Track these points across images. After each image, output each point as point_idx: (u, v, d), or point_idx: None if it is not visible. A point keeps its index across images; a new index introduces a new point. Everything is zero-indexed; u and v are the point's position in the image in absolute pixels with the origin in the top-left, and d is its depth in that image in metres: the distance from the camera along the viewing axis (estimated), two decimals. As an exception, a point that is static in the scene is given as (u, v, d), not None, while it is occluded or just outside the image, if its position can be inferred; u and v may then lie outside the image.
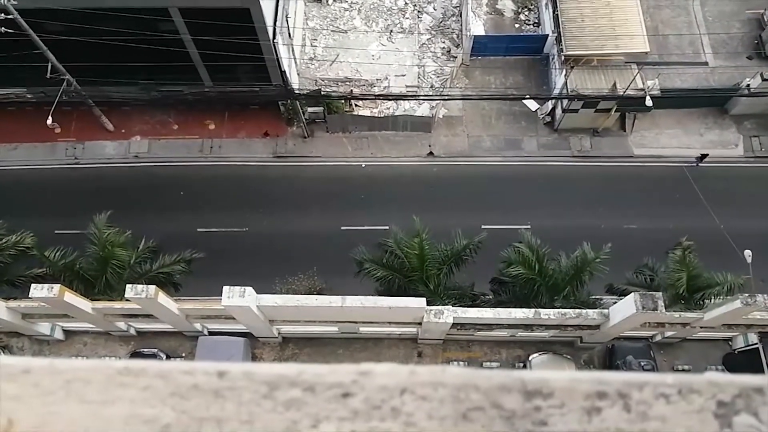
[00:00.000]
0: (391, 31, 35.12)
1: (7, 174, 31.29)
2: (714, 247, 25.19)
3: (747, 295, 19.21)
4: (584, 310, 20.65)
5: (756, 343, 23.41)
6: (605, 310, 20.59)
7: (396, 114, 32.56)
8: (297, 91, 30.95)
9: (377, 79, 33.65)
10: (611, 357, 24.19)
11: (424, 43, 35.00)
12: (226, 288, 18.18)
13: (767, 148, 31.97)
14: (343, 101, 32.31)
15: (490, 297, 24.34)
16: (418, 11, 35.72)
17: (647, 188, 30.79)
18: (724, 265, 22.50)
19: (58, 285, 19.01)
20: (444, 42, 35.11)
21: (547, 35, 32.86)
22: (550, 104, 32.57)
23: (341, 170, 31.76)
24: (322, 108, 31.61)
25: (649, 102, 28.90)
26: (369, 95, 32.49)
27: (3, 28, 24.08)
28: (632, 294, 18.63)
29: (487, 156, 32.13)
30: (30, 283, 19.69)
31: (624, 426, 1.08)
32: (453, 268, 22.33)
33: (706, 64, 33.46)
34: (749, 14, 34.30)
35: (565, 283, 21.94)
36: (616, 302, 20.92)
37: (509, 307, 21.08)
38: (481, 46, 33.62)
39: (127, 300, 19.29)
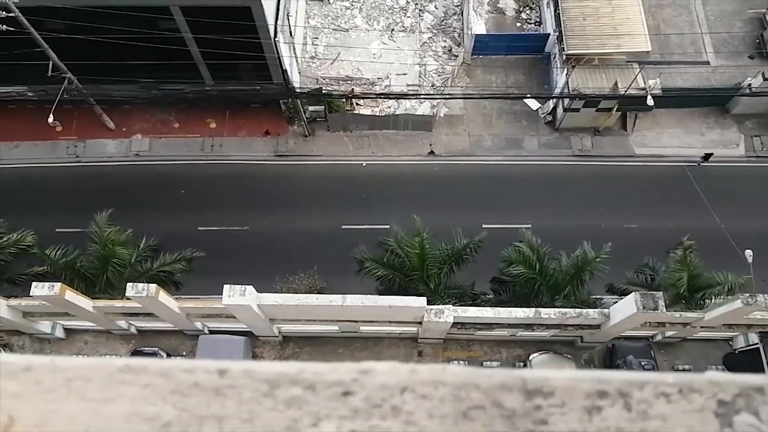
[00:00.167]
0: (393, 29, 35.11)
1: (8, 172, 31.32)
2: (715, 247, 25.18)
3: (747, 294, 19.20)
4: (585, 310, 20.65)
5: (756, 343, 23.40)
6: (606, 310, 20.59)
7: (397, 113, 32.55)
8: (298, 90, 30.94)
9: (378, 78, 33.64)
10: (612, 356, 24.19)
11: (425, 42, 34.98)
12: (226, 287, 18.19)
13: (768, 147, 31.96)
14: (344, 100, 32.30)
15: (491, 296, 24.34)
16: (420, 10, 35.70)
17: (648, 188, 30.77)
18: (724, 265, 22.49)
19: (59, 283, 19.03)
20: (445, 41, 35.09)
21: (549, 34, 32.83)
22: (551, 103, 32.55)
23: (342, 169, 31.76)
24: (323, 107, 31.60)
25: (650, 101, 28.88)
26: (370, 94, 32.49)
27: (4, 26, 24.09)
28: (633, 294, 18.62)
29: (488, 155, 32.11)
30: (31, 282, 19.70)
31: (625, 425, 1.08)
32: (453, 267, 22.34)
33: (707, 63, 33.42)
34: (751, 13, 34.25)
35: (566, 283, 21.94)
36: (616, 302, 20.92)
37: (510, 307, 21.08)
38: (483, 45, 33.60)
39: (127, 298, 19.30)
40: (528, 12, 35.35)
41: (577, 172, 31.49)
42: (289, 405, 1.10)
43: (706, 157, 30.91)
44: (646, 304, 17.96)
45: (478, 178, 31.12)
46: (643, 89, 29.34)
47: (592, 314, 20.49)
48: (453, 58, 34.47)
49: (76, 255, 22.34)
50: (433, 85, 33.73)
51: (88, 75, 27.96)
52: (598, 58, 30.46)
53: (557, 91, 31.67)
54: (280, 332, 23.84)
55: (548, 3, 32.97)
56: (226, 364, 1.15)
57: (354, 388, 1.12)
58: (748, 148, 32.04)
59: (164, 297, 19.62)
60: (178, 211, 29.77)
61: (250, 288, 18.39)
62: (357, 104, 33.01)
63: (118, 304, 21.16)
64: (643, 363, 23.52)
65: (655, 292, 18.56)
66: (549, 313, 20.39)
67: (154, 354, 24.27)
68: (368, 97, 32.63)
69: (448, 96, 32.64)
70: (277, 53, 27.49)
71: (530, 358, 24.09)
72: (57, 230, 26.11)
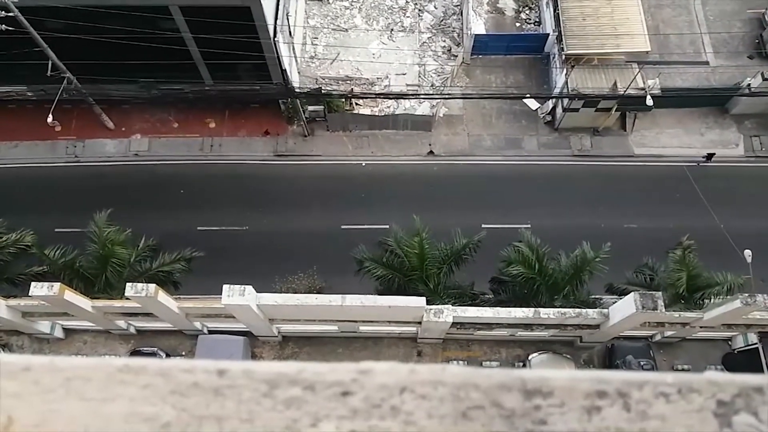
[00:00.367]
0: (392, 29, 35.11)
1: (7, 172, 31.30)
2: (714, 247, 25.20)
3: (747, 294, 19.21)
4: (584, 310, 20.66)
5: (755, 343, 23.43)
6: (605, 310, 20.60)
7: (396, 113, 32.55)
8: (297, 90, 30.94)
9: (378, 78, 33.64)
10: (611, 356, 24.20)
11: (424, 42, 34.98)
12: (226, 287, 18.18)
13: (768, 147, 31.99)
14: (343, 100, 32.30)
15: (490, 296, 24.35)
16: (419, 10, 35.70)
17: (647, 188, 30.78)
18: (723, 265, 22.52)
19: (58, 283, 19.02)
20: (445, 41, 35.10)
21: (548, 34, 32.85)
22: (550, 103, 32.56)
23: (341, 169, 31.75)
24: (322, 106, 31.60)
25: (649, 101, 28.89)
26: (369, 94, 32.49)
27: (3, 25, 24.08)
28: (632, 293, 18.63)
29: (488, 155, 32.12)
30: (30, 282, 19.68)
31: (624, 425, 1.08)
32: (453, 267, 22.34)
33: (707, 63, 33.44)
34: (750, 13, 34.27)
35: (565, 283, 21.94)
36: (615, 302, 20.92)
37: (509, 307, 21.08)
38: (482, 45, 33.60)
39: (127, 298, 19.29)
40: (527, 12, 35.36)
41: (577, 172, 31.50)
42: (289, 405, 1.10)
43: (709, 156, 30.95)
44: (646, 304, 17.97)
45: (477, 178, 31.12)
46: (643, 89, 29.35)
47: (591, 314, 20.49)
48: (452, 58, 34.47)
49: (75, 255, 22.33)
50: (432, 85, 33.74)
51: (88, 75, 27.94)
52: (597, 58, 30.47)
53: (556, 91, 31.69)
54: (279, 332, 23.84)
55: (547, 3, 32.97)
56: (225, 364, 1.15)
57: (353, 388, 1.12)
58: (747, 148, 32.05)
59: (163, 297, 19.61)
60: (178, 211, 29.76)
61: (249, 288, 18.38)
62: (356, 104, 33.02)
63: (117, 304, 21.15)
64: (642, 363, 23.53)
65: (654, 292, 18.57)
66: (548, 313, 20.39)
67: (153, 354, 24.26)
68: (367, 97, 32.64)
69: (447, 96, 32.64)
70: (277, 53, 27.48)
71: (529, 358, 24.09)
72: (56, 230, 26.10)
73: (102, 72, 27.74)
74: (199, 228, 29.00)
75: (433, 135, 32.52)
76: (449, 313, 19.68)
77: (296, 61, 32.52)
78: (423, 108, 33.12)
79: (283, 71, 28.80)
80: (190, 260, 23.55)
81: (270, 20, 26.46)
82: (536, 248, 21.95)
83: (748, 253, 23.40)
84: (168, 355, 24.48)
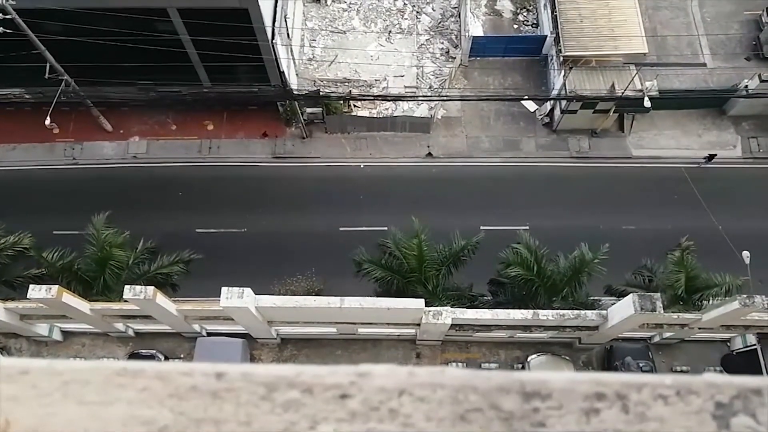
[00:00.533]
0: (390, 31, 35.14)
1: (5, 174, 31.26)
2: (712, 248, 25.22)
3: (745, 296, 19.22)
4: (583, 311, 20.66)
5: (754, 345, 23.45)
6: (604, 311, 20.60)
7: (395, 115, 32.57)
8: (296, 92, 30.96)
9: (376, 80, 33.67)
10: (610, 358, 24.20)
11: (422, 44, 35.01)
12: (224, 289, 18.16)
13: (765, 149, 32.01)
14: (341, 102, 32.32)
15: (489, 298, 24.35)
16: (417, 12, 35.74)
17: (645, 189, 30.83)
18: (722, 266, 22.53)
19: (56, 286, 18.99)
20: (443, 43, 35.13)
21: (546, 36, 32.90)
22: (548, 105, 32.59)
23: (340, 171, 31.76)
24: (320, 108, 31.61)
25: (647, 103, 28.92)
26: (368, 96, 32.50)
27: (1, 28, 24.06)
28: (631, 295, 18.63)
29: (486, 157, 32.14)
30: (28, 284, 19.66)
31: (622, 427, 1.08)
32: (451, 269, 22.34)
33: (704, 65, 33.51)
34: (747, 15, 34.36)
35: (564, 284, 21.95)
36: (614, 303, 20.92)
37: (508, 308, 21.08)
38: (480, 47, 33.65)
39: (125, 301, 19.26)
40: (525, 14, 35.41)
41: (575, 174, 31.53)
42: (287, 408, 1.10)
43: (710, 157, 30.99)
44: (644, 305, 17.98)
45: (475, 179, 31.14)
46: (640, 91, 29.39)
47: (590, 316, 20.50)
48: (450, 60, 34.50)
49: (73, 257, 22.30)
50: (430, 87, 33.77)
51: (86, 77, 27.94)
52: (595, 60, 30.52)
53: (554, 92, 31.73)
54: (278, 334, 23.81)
55: (545, 5, 33.03)
56: (223, 367, 1.15)
57: (352, 391, 1.12)
58: (745, 149, 32.11)
59: (162, 299, 19.58)
60: (176, 213, 29.73)
61: (248, 290, 18.36)
62: (354, 106, 33.04)
63: (115, 306, 21.12)
64: (641, 364, 23.55)
65: (652, 294, 18.57)
66: (547, 315, 20.39)
67: (151, 357, 24.23)
68: (366, 99, 32.65)
69: (445, 98, 32.68)
70: (275, 55, 27.49)
71: (528, 359, 24.10)
72: (54, 232, 26.04)
73: (100, 74, 27.75)
74: (197, 230, 28.98)
75: (432, 137, 32.54)
76: (448, 315, 19.67)
77: (294, 63, 32.53)
78: (421, 110, 33.14)
79: (282, 73, 28.80)
80: (189, 262, 23.53)
81: (268, 22, 26.46)
82: (535, 250, 21.96)
83: (746, 254, 23.43)
84: (166, 358, 24.44)
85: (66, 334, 24.84)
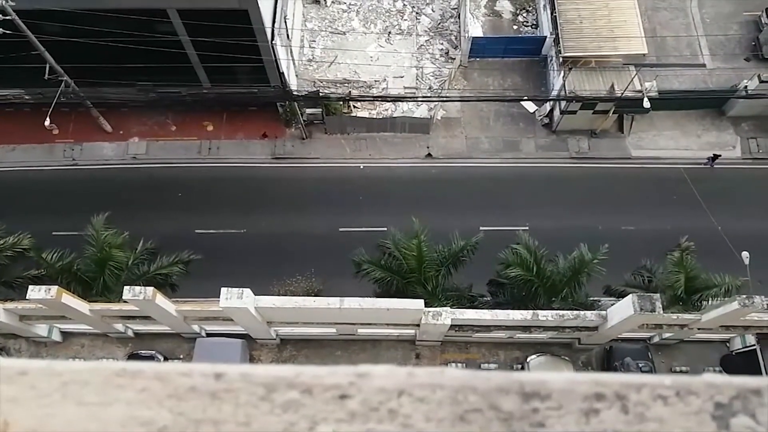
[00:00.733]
0: (390, 32, 35.15)
1: (4, 175, 31.24)
2: (711, 249, 25.22)
3: (744, 296, 19.23)
4: (582, 312, 20.66)
5: (753, 345, 23.46)
6: (603, 312, 20.60)
7: (394, 115, 32.58)
8: (295, 93, 30.96)
9: (375, 81, 33.68)
10: (609, 358, 24.21)
11: (422, 45, 35.03)
12: (224, 289, 18.15)
13: (764, 149, 32.03)
14: (341, 102, 32.32)
15: (488, 298, 24.34)
16: (417, 13, 35.75)
17: (645, 190, 30.84)
18: (721, 267, 22.53)
19: (56, 286, 18.98)
20: (442, 43, 35.14)
21: (545, 37, 32.91)
22: (548, 106, 32.60)
23: (339, 171, 31.76)
24: (320, 109, 31.62)
25: (646, 103, 28.94)
26: (367, 97, 32.51)
27: (1, 29, 24.06)
28: (630, 295, 18.63)
29: (486, 157, 32.15)
30: (27, 285, 19.66)
31: (622, 427, 1.08)
32: (451, 269, 22.33)
33: (703, 65, 33.53)
34: (747, 16, 34.39)
35: (563, 285, 21.95)
36: (614, 304, 20.93)
37: (507, 309, 21.07)
38: (480, 48, 33.66)
39: (124, 301, 19.25)
40: (525, 15, 35.43)
41: (574, 174, 31.54)
42: (286, 409, 1.10)
43: (714, 158, 30.97)
44: (644, 305, 17.98)
45: (475, 180, 31.15)
46: (640, 92, 29.41)
47: (589, 316, 20.50)
48: (450, 60, 34.52)
49: (72, 258, 22.29)
50: (430, 88, 33.78)
51: (85, 78, 27.93)
52: (594, 61, 30.53)
53: (554, 93, 31.74)
54: (277, 335, 23.80)
55: (545, 6, 33.05)
56: (222, 368, 1.15)
57: (351, 391, 1.12)
58: (744, 150, 32.12)
59: (161, 300, 19.57)
60: (175, 214, 29.73)
61: (247, 291, 18.36)
62: (354, 107, 33.04)
63: (114, 307, 21.11)
64: (640, 365, 23.55)
65: (652, 294, 18.57)
66: (546, 316, 20.39)
67: (151, 357, 24.22)
68: (365, 100, 32.66)
69: (445, 98, 32.69)
70: (275, 56, 27.50)
71: (528, 360, 24.10)
72: (54, 233, 26.03)
73: (100, 75, 27.75)
74: (197, 231, 28.97)
75: (431, 137, 32.55)
76: (447, 315, 19.67)
77: (294, 64, 32.54)
78: (421, 111, 33.16)
79: (281, 74, 28.81)
80: (188, 263, 23.52)
81: (268, 23, 26.47)
82: (534, 250, 21.95)
83: (745, 254, 23.44)
84: (166, 358, 24.43)
85: (65, 334, 24.83)
